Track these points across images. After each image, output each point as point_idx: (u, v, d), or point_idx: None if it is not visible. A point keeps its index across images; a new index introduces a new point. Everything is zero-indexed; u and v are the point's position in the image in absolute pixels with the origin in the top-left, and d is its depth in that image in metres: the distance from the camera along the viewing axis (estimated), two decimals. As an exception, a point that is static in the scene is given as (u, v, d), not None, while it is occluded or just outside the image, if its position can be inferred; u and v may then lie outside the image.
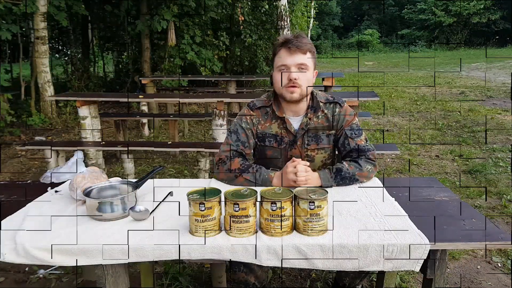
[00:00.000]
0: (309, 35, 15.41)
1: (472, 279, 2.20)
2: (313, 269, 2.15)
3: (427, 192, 1.58)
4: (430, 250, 1.16)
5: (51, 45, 6.69)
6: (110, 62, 11.86)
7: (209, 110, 6.80)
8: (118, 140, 4.83)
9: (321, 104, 1.74)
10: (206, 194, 1.21)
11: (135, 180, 1.55)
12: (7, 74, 8.13)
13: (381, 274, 1.85)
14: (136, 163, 4.21)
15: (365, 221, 1.29)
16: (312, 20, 17.17)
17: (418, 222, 1.27)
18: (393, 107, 7.43)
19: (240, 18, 8.78)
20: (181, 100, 4.91)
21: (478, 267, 2.32)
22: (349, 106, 1.82)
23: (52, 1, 6.47)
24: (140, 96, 4.69)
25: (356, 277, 1.68)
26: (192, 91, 7.45)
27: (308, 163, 1.58)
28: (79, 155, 3.66)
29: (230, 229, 1.20)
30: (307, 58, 1.64)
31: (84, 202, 1.41)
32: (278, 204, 1.18)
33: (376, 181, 1.68)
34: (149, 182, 1.57)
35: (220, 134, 3.89)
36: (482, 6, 23.49)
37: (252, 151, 1.77)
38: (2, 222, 1.30)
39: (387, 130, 5.79)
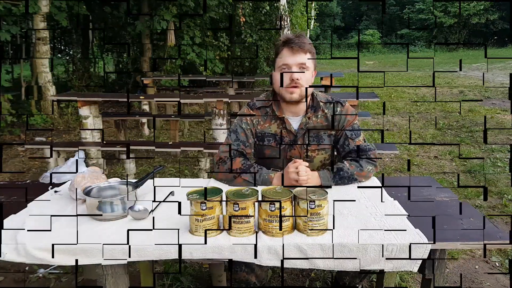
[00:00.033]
0: (308, 35, 15.39)
1: (473, 279, 2.20)
2: (313, 269, 2.16)
3: (426, 191, 1.59)
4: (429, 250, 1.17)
5: (52, 45, 6.68)
6: (110, 62, 11.88)
7: (208, 109, 6.81)
8: (119, 139, 4.83)
9: (321, 104, 1.75)
10: (208, 193, 1.22)
11: (135, 180, 1.56)
12: (7, 74, 8.14)
13: (380, 274, 1.86)
14: (138, 164, 4.21)
15: (365, 220, 1.30)
16: (312, 21, 17.16)
17: (416, 221, 1.27)
18: (394, 107, 7.44)
19: (241, 19, 8.79)
20: (182, 101, 4.91)
21: (476, 267, 2.32)
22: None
23: (54, 2, 6.47)
24: (141, 97, 4.71)
25: (356, 276, 1.68)
26: (193, 92, 7.46)
27: (307, 164, 1.59)
28: (80, 155, 3.67)
29: (230, 229, 1.20)
30: (307, 58, 1.65)
31: (84, 201, 1.42)
32: (277, 205, 1.18)
33: (375, 181, 1.68)
34: (149, 182, 1.57)
35: (220, 134, 3.90)
36: (482, 7, 23.50)
37: (252, 150, 1.78)
38: (4, 221, 1.31)
39: (387, 130, 5.80)
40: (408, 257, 1.16)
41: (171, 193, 1.52)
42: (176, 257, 1.16)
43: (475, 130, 5.53)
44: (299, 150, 1.75)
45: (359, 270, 1.18)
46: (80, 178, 1.51)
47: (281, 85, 1.65)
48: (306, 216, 1.19)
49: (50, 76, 6.75)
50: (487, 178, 3.72)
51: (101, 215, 1.31)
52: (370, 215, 1.34)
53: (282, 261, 1.16)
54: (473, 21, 23.95)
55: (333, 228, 1.21)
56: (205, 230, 1.18)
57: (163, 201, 1.45)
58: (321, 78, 4.37)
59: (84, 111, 3.87)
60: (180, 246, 1.15)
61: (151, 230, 1.21)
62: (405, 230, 1.23)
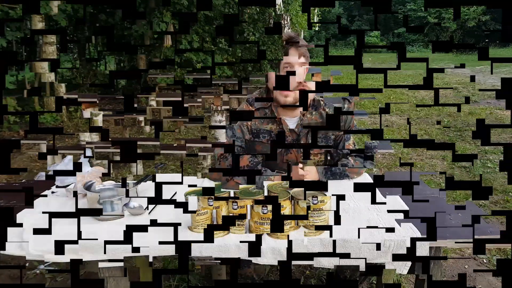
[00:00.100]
0: (303, 35, 15.33)
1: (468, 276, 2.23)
2: (308, 266, 2.18)
3: (416, 189, 1.62)
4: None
5: (58, 46, 6.67)
6: (111, 61, 11.89)
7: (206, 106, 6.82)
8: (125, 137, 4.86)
9: (321, 103, 1.76)
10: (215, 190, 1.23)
11: (134, 182, 1.58)
12: (12, 77, 8.13)
13: (379, 276, 1.88)
14: (145, 165, 4.14)
15: (367, 217, 1.33)
16: (317, 28, 16.94)
17: (410, 219, 1.29)
18: (393, 107, 7.43)
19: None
20: (185, 104, 4.96)
21: (466, 266, 2.36)
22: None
23: (59, 6, 6.45)
24: (143, 97, 4.72)
25: (357, 270, 1.69)
26: (195, 95, 7.47)
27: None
28: (87, 153, 3.67)
29: (234, 227, 1.22)
30: (304, 58, 1.68)
31: (85, 195, 1.44)
32: (269, 207, 1.18)
33: (367, 177, 1.72)
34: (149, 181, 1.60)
35: (221, 132, 3.88)
36: (481, 11, 23.41)
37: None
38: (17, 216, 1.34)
39: (387, 126, 5.83)
40: (407, 254, 1.19)
41: (175, 193, 1.54)
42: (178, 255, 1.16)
43: (470, 129, 5.56)
44: (295, 155, 1.73)
45: (361, 266, 1.19)
46: (80, 178, 1.54)
47: (282, 88, 1.67)
48: (307, 213, 1.21)
49: (53, 76, 6.74)
50: (484, 177, 3.74)
51: (101, 214, 1.32)
52: (368, 210, 1.38)
53: (282, 261, 1.17)
54: (470, 24, 23.84)
55: (340, 224, 1.18)
56: (212, 229, 1.18)
57: (165, 200, 1.48)
58: (312, 75, 4.37)
59: (87, 113, 3.89)
60: (189, 243, 1.15)
61: (154, 227, 1.23)
62: (407, 228, 1.26)
